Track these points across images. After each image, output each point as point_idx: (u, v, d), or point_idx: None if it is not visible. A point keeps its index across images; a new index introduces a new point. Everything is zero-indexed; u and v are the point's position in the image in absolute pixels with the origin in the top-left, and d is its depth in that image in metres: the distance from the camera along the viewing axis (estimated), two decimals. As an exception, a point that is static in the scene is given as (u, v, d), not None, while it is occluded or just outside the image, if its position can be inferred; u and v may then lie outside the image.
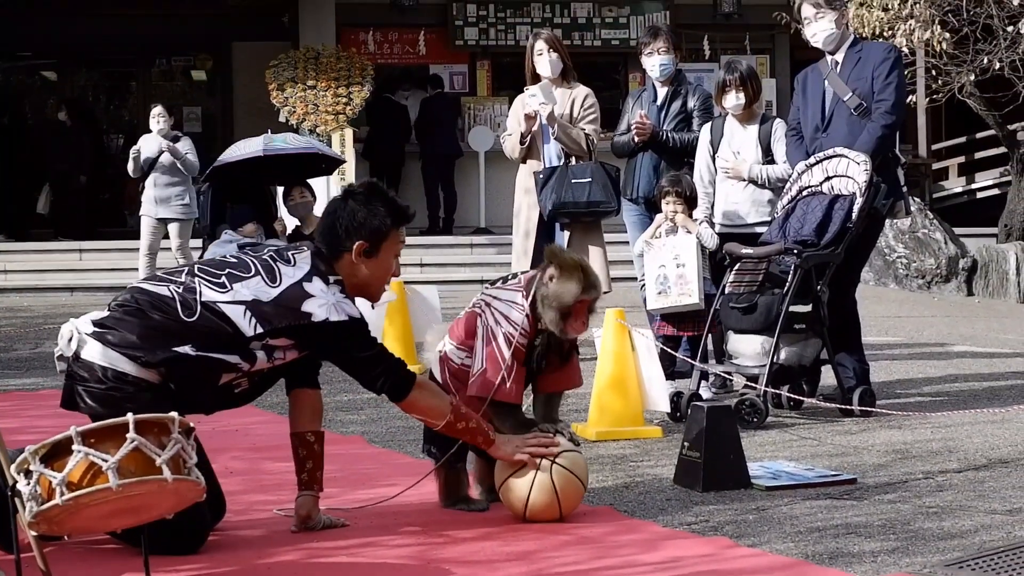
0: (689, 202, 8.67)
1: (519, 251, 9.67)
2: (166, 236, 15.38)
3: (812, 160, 8.27)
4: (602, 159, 9.92)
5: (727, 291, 8.09)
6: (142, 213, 15.38)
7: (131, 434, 4.22)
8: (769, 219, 8.60)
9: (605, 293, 9.31)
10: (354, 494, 6.04)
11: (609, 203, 9.47)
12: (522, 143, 9.60)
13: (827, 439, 7.35)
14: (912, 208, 17.87)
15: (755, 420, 7.64)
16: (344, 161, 13.57)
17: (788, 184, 8.38)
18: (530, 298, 5.48)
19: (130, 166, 15.34)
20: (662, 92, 9.64)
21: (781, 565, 4.79)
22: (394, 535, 5.29)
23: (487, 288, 5.70)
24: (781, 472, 6.31)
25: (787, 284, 7.92)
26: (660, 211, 8.72)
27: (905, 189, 9.02)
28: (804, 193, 8.25)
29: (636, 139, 9.46)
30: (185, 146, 15.31)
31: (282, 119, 18.77)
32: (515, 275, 5.72)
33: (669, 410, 7.74)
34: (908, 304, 16.51)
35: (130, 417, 4.27)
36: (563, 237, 9.50)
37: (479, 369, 5.50)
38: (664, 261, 8.42)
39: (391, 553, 5.05)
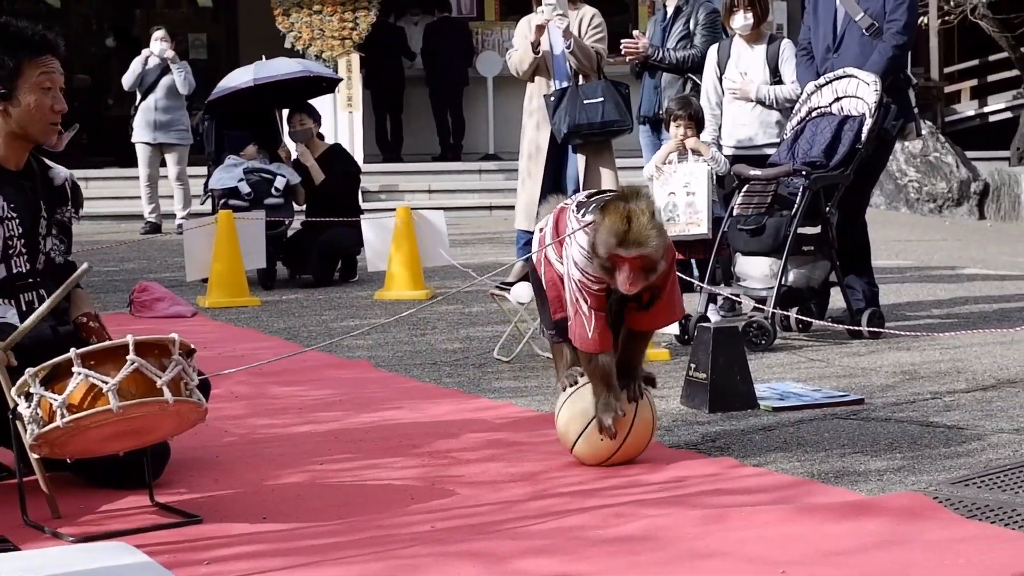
0: (698, 125, 8.60)
1: (523, 173, 9.60)
2: (163, 164, 15.26)
3: (821, 81, 8.19)
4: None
5: (735, 213, 8.04)
6: (136, 140, 15.23)
7: (131, 356, 4.19)
8: (777, 140, 8.54)
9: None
10: (359, 417, 6.02)
11: (624, 122, 9.36)
12: (535, 52, 9.42)
13: (835, 361, 7.32)
14: (923, 131, 17.75)
15: (763, 342, 7.61)
16: (340, 79, 13.44)
17: (797, 105, 8.31)
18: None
19: (128, 77, 15.15)
20: (670, 11, 9.60)
21: (786, 484, 4.77)
22: (400, 457, 5.27)
23: (574, 210, 5.01)
24: (788, 393, 6.28)
25: (796, 206, 7.86)
26: (664, 131, 8.64)
27: (916, 111, 8.94)
28: (813, 114, 8.18)
29: (628, 59, 9.52)
30: (183, 68, 15.14)
31: (288, 45, 18.64)
32: (596, 200, 4.94)
33: (676, 333, 7.71)
34: (919, 228, 16.44)
35: (130, 338, 4.23)
36: (577, 160, 9.40)
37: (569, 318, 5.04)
38: (674, 188, 8.35)
39: (396, 475, 5.03)
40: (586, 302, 4.86)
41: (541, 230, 5.25)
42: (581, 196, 5.11)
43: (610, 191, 4.93)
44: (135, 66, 15.18)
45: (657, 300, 4.96)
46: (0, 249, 4.89)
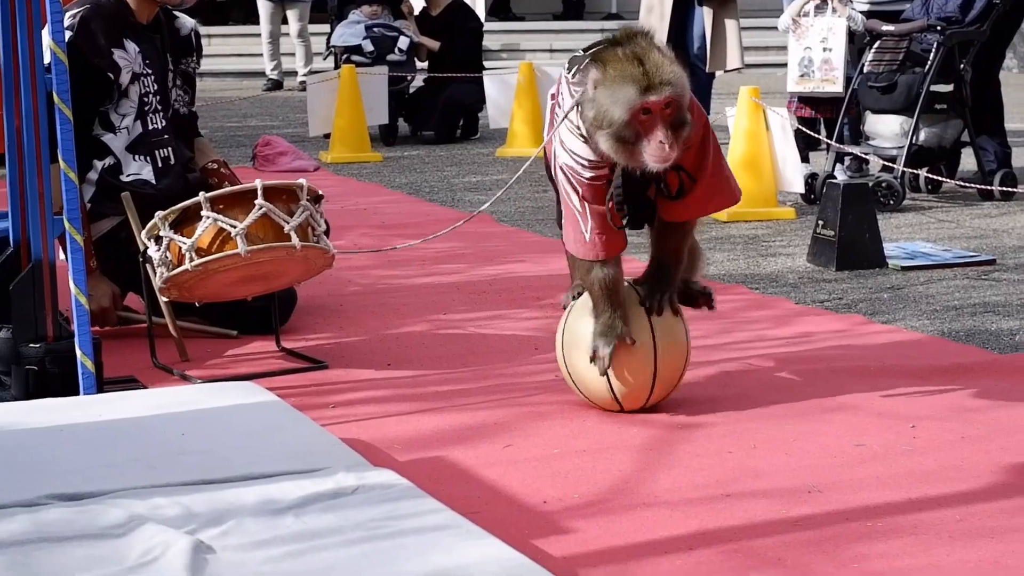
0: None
1: (642, 26, 9.36)
2: (284, 20, 15.20)
3: (959, -67, 7.93)
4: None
5: (866, 70, 7.85)
6: None
7: (259, 200, 4.20)
8: (912, -4, 8.30)
9: (737, 70, 9.12)
10: (482, 270, 6.02)
11: None
12: None
13: (966, 221, 7.17)
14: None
15: (891, 202, 7.47)
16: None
17: (933, -42, 8.06)
18: (579, 116, 3.64)
19: None
20: None
21: (916, 341, 4.69)
22: (523, 308, 5.27)
23: (565, 69, 3.75)
24: (918, 252, 6.17)
25: (929, 63, 7.65)
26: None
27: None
28: (949, -32, 7.94)
29: None
30: None
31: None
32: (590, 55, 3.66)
33: (803, 191, 7.59)
34: (1053, 92, 15.97)
35: (258, 183, 4.24)
36: (703, 13, 9.17)
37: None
38: (811, 43, 8.16)
39: (520, 325, 5.03)
40: (576, 193, 3.75)
41: (553, 98, 3.94)
42: (577, 53, 3.76)
43: (598, 43, 3.70)
44: None
45: (695, 185, 3.80)
46: (136, 106, 4.91)
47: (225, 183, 4.91)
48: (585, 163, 3.69)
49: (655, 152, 3.52)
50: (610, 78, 3.50)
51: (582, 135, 3.64)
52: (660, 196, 3.83)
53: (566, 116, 3.65)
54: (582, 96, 3.58)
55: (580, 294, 3.97)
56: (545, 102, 10.14)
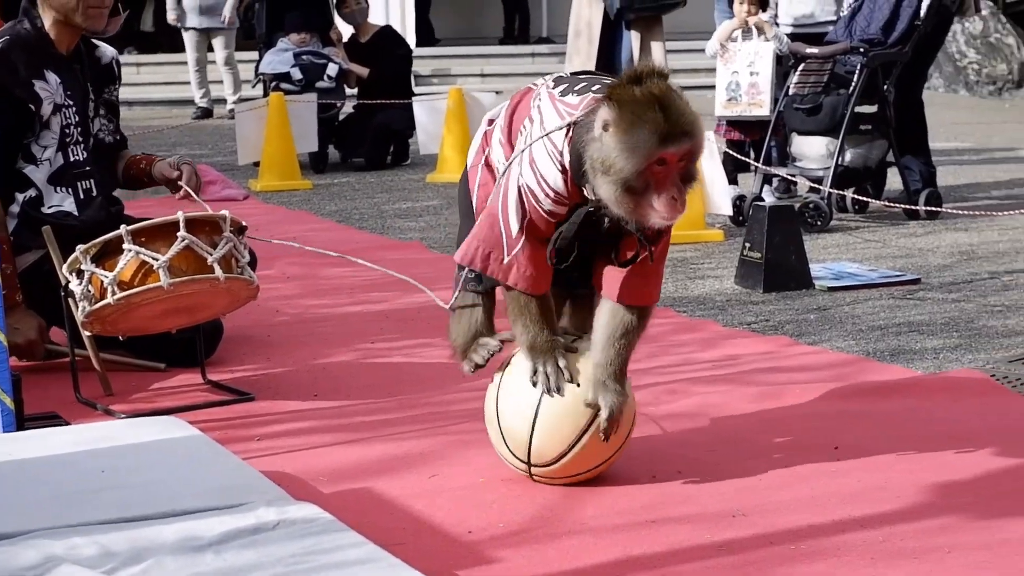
0: (762, 1, 8.43)
1: (571, 51, 9.41)
2: (210, 48, 15.12)
3: (880, -44, 8.01)
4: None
5: (792, 92, 7.91)
6: (183, 25, 15.05)
7: (182, 232, 4.17)
8: (836, 18, 8.38)
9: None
10: (410, 297, 5.99)
11: None
12: None
13: (892, 241, 7.23)
14: (983, 10, 17.41)
15: (819, 223, 7.53)
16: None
17: (855, -20, 8.14)
18: (570, 147, 3.25)
19: None
20: None
21: (841, 362, 4.72)
22: (450, 336, 5.24)
23: (549, 86, 3.44)
24: (844, 273, 6.21)
25: (853, 84, 7.73)
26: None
27: (976, -14, 8.74)
28: (871, -10, 8.01)
29: None
30: None
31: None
32: (590, 83, 3.36)
33: (731, 213, 7.64)
34: (979, 110, 16.18)
35: (181, 215, 4.21)
36: (631, 37, 9.21)
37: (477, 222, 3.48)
38: (738, 67, 8.22)
39: (447, 353, 4.97)
40: (519, 222, 3.32)
41: (491, 123, 3.62)
42: (548, 82, 3.47)
43: (593, 73, 3.53)
44: None
45: (656, 246, 3.39)
46: (58, 137, 4.87)
47: (155, 163, 4.95)
48: (551, 194, 3.30)
49: (665, 208, 3.13)
50: (626, 121, 3.10)
51: (561, 164, 3.26)
52: (604, 266, 3.44)
53: (548, 135, 3.29)
54: (582, 131, 3.20)
55: (487, 359, 3.58)
56: (476, 127, 10.20)
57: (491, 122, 3.61)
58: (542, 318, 3.41)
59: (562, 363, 3.41)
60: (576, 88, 3.32)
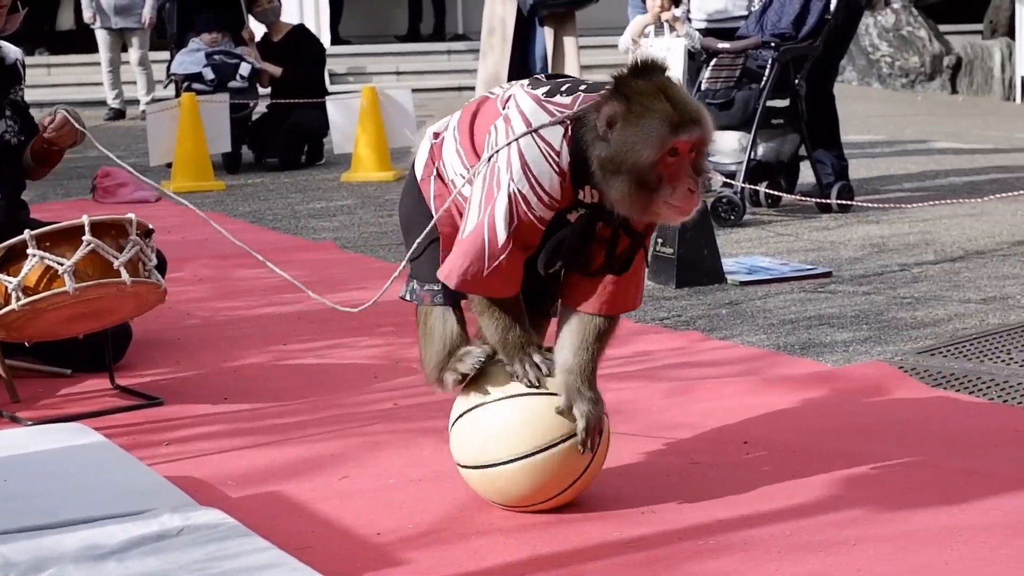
0: (675, -1, 8.46)
1: (484, 48, 9.42)
2: (124, 48, 14.98)
3: (790, -49, 8.06)
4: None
5: (704, 87, 7.94)
6: (96, 26, 14.90)
7: (87, 236, 4.12)
8: (748, 13, 8.42)
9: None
10: (325, 297, 5.96)
11: None
12: None
13: (804, 235, 7.28)
14: (896, 3, 17.59)
15: (732, 218, 7.57)
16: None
17: (765, -25, 8.18)
18: (569, 148, 3.13)
19: None
20: None
21: (752, 356, 4.75)
22: (363, 336, 5.23)
23: (525, 88, 3.27)
24: (756, 267, 6.25)
25: (764, 79, 7.78)
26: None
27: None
28: (782, -15, 8.06)
29: None
30: None
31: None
32: (574, 84, 3.25)
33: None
34: (891, 103, 16.34)
35: (85, 219, 4.16)
36: (545, 33, 9.23)
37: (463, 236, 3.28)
38: (648, 63, 8.21)
39: (360, 354, 5.00)
40: (507, 230, 3.16)
41: (437, 136, 3.44)
42: (525, 87, 3.29)
43: (570, 76, 3.41)
44: None
45: (635, 256, 3.28)
46: None
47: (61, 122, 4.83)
48: (545, 198, 3.14)
49: (683, 200, 3.02)
50: (635, 113, 3.01)
51: (559, 166, 3.12)
52: (575, 278, 3.30)
53: (536, 130, 3.13)
54: (582, 130, 3.08)
55: (475, 367, 3.33)
56: (390, 125, 10.18)
57: (437, 135, 3.44)
58: (513, 314, 3.28)
59: (538, 358, 3.28)
60: (562, 89, 3.21)
